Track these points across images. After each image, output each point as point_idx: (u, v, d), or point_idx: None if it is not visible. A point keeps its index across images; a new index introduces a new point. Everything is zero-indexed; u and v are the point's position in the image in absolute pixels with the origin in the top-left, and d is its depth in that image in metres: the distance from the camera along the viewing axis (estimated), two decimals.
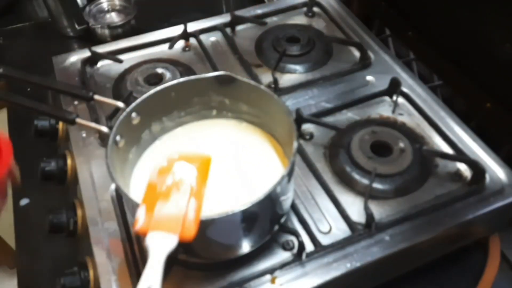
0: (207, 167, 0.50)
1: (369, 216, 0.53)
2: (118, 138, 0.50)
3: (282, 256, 0.53)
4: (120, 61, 0.76)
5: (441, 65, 0.77)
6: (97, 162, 0.61)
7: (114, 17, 0.98)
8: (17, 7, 1.09)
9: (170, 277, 0.50)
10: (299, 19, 0.86)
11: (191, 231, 0.42)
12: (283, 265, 0.51)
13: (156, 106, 0.54)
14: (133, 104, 0.52)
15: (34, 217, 0.70)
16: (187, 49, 0.80)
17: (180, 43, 0.80)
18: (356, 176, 0.59)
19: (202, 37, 0.80)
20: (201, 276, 0.51)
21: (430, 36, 0.78)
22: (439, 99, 0.69)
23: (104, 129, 0.53)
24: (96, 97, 0.58)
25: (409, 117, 0.67)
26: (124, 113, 0.51)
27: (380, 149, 0.61)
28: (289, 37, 0.79)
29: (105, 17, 0.98)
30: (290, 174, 0.47)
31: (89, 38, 0.95)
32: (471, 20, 0.70)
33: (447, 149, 0.63)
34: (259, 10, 0.86)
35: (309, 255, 0.52)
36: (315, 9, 0.87)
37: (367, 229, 0.54)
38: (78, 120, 0.54)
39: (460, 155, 0.61)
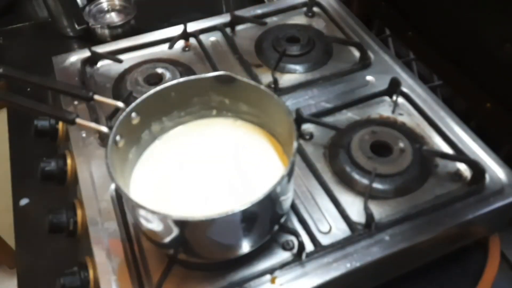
0: None
1: (369, 216, 0.53)
2: (118, 138, 0.50)
3: (282, 256, 0.52)
4: (120, 61, 0.76)
5: (441, 65, 0.77)
6: (97, 162, 0.61)
7: (114, 17, 0.98)
8: (17, 7, 1.09)
9: (170, 277, 0.50)
10: (299, 19, 0.86)
11: None
12: (283, 265, 0.51)
13: (156, 106, 0.54)
14: (133, 104, 0.52)
15: (34, 217, 0.70)
16: (187, 49, 0.80)
17: (180, 43, 0.80)
18: (356, 176, 0.59)
19: (202, 37, 0.80)
20: (201, 276, 0.51)
21: (430, 36, 0.78)
22: (439, 99, 0.68)
23: (104, 129, 0.53)
24: (96, 97, 0.58)
25: (409, 117, 0.67)
26: (124, 113, 0.51)
27: (380, 149, 0.61)
28: (289, 37, 0.79)
29: (105, 17, 0.98)
30: (290, 174, 0.47)
31: (89, 38, 0.95)
32: (471, 20, 0.70)
33: (447, 149, 0.63)
34: (259, 10, 0.86)
35: (309, 255, 0.52)
36: (315, 9, 0.87)
37: (367, 229, 0.54)
38: (78, 120, 0.54)
39: (460, 155, 0.61)
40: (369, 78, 0.73)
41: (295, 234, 0.52)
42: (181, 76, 0.71)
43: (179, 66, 0.75)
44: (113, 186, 0.58)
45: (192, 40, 0.80)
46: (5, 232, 1.29)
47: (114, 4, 1.00)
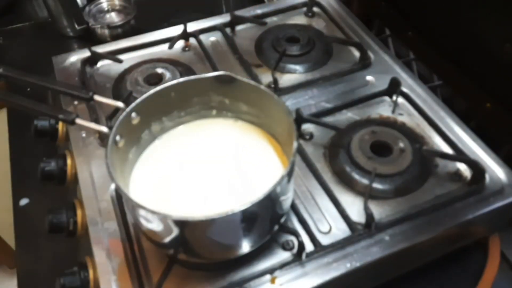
0: None
1: (369, 216, 0.53)
2: (118, 138, 0.50)
3: (282, 256, 0.52)
4: (120, 61, 0.75)
5: (441, 65, 0.77)
6: (97, 162, 0.61)
7: (114, 17, 0.98)
8: (17, 7, 1.09)
9: (170, 277, 0.50)
10: (299, 19, 0.86)
11: None
12: (283, 265, 0.51)
13: (156, 106, 0.54)
14: (133, 104, 0.52)
15: (34, 217, 0.70)
16: (187, 49, 0.80)
17: (180, 43, 0.80)
18: (356, 176, 0.59)
19: (202, 37, 0.80)
20: (201, 276, 0.51)
21: (430, 36, 0.78)
22: (439, 99, 0.68)
23: (104, 129, 0.53)
24: (96, 97, 0.58)
25: (409, 117, 0.67)
26: (124, 113, 0.51)
27: (380, 149, 0.61)
28: (289, 37, 0.79)
29: (105, 17, 0.98)
30: (290, 174, 0.47)
31: (89, 38, 0.95)
32: (471, 20, 0.70)
33: (447, 149, 0.63)
34: (259, 10, 0.86)
35: (309, 255, 0.52)
36: (315, 9, 0.87)
37: (367, 229, 0.53)
38: (78, 120, 0.54)
39: (460, 155, 0.61)
40: (369, 78, 0.73)
41: (295, 234, 0.52)
42: (181, 76, 0.71)
43: (179, 66, 0.75)
44: (113, 186, 0.58)
45: (192, 40, 0.80)
46: (5, 232, 1.29)
47: (114, 4, 1.00)
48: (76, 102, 0.69)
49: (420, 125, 0.66)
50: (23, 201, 0.72)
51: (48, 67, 0.77)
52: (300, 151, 0.62)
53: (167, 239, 0.46)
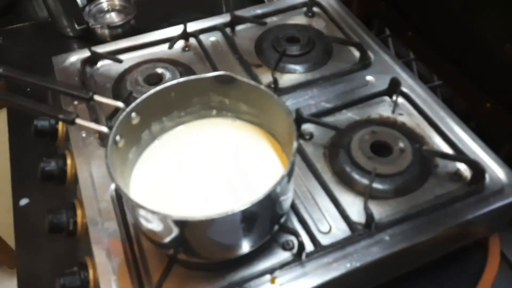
0: None
1: (369, 216, 0.53)
2: (118, 138, 0.50)
3: (282, 256, 0.52)
4: (120, 61, 0.75)
5: (441, 65, 0.77)
6: (97, 162, 0.61)
7: (114, 17, 0.98)
8: (17, 7, 1.09)
9: (170, 277, 0.50)
10: (299, 19, 0.86)
11: None
12: (283, 265, 0.51)
13: (156, 106, 0.54)
14: (133, 104, 0.52)
15: (34, 217, 0.70)
16: (187, 49, 0.80)
17: (180, 43, 0.80)
18: (356, 176, 0.59)
19: (202, 37, 0.80)
20: (201, 276, 0.51)
21: (430, 36, 0.78)
22: (439, 99, 0.68)
23: (104, 129, 0.53)
24: (96, 97, 0.58)
25: (409, 117, 0.67)
26: (124, 113, 0.51)
27: (380, 149, 0.61)
28: (289, 37, 0.79)
29: (105, 17, 0.98)
30: (290, 174, 0.47)
31: (89, 38, 0.95)
32: (471, 20, 0.70)
33: (447, 149, 0.63)
34: (259, 10, 0.86)
35: (309, 255, 0.52)
36: (315, 9, 0.87)
37: (367, 229, 0.53)
38: (78, 120, 0.54)
39: (460, 155, 0.61)
40: (369, 78, 0.73)
41: (295, 234, 0.52)
42: (181, 76, 0.71)
43: (179, 66, 0.75)
44: (113, 186, 0.58)
45: (192, 40, 0.80)
46: (5, 232, 1.29)
47: (114, 4, 1.00)
48: (76, 102, 0.69)
49: (420, 125, 0.66)
50: (23, 201, 0.72)
51: (48, 67, 0.77)
52: (300, 151, 0.62)
53: (167, 239, 0.46)
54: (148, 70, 0.73)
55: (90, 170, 0.61)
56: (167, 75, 0.72)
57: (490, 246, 0.61)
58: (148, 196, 0.52)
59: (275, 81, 0.70)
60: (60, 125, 0.67)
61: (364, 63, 0.75)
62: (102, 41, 0.92)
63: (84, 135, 0.65)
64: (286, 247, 0.53)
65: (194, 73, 0.74)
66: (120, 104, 0.56)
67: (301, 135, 0.65)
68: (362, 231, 0.53)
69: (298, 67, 0.75)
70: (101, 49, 0.78)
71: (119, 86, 0.73)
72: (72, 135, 0.65)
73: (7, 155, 0.79)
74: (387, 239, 0.53)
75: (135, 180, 0.54)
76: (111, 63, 0.77)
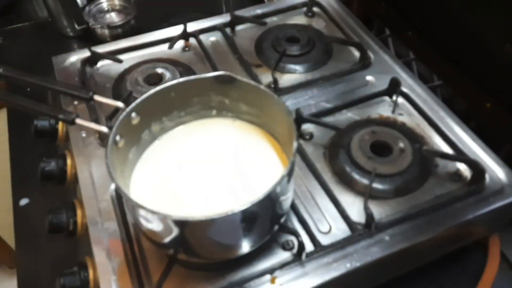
0: None
1: (369, 216, 0.53)
2: (118, 138, 0.50)
3: (282, 256, 0.53)
4: (120, 61, 0.75)
5: (441, 65, 0.77)
6: (97, 162, 0.61)
7: (114, 17, 0.98)
8: (17, 7, 1.09)
9: (170, 277, 0.50)
10: (299, 19, 0.86)
11: None
12: (283, 265, 0.51)
13: (156, 106, 0.54)
14: (133, 104, 0.52)
15: (34, 217, 0.70)
16: (187, 49, 0.80)
17: (180, 43, 0.80)
18: (356, 176, 0.59)
19: (202, 37, 0.80)
20: (201, 276, 0.51)
21: (430, 36, 0.78)
22: (439, 99, 0.68)
23: (104, 129, 0.53)
24: (96, 97, 0.58)
25: (409, 117, 0.67)
26: (124, 113, 0.51)
27: (380, 149, 0.61)
28: (289, 37, 0.79)
29: (105, 17, 0.98)
30: (290, 174, 0.47)
31: (89, 38, 0.95)
32: (471, 20, 0.70)
33: (447, 149, 0.63)
34: (259, 10, 0.86)
35: (309, 255, 0.52)
36: (315, 9, 0.87)
37: (367, 229, 0.53)
38: (78, 120, 0.54)
39: (460, 155, 0.61)
40: (369, 78, 0.73)
41: (295, 234, 0.52)
42: (181, 76, 0.71)
43: (179, 66, 0.75)
44: (113, 186, 0.58)
45: (192, 40, 0.80)
46: (5, 232, 1.29)
47: (114, 4, 1.00)
48: (76, 102, 0.69)
49: (420, 125, 0.66)
50: (23, 201, 0.72)
51: (48, 67, 0.77)
52: (300, 151, 0.62)
53: (167, 239, 0.46)
54: (148, 70, 0.73)
55: (90, 170, 0.61)
56: (167, 75, 0.72)
57: (490, 246, 0.61)
58: (148, 196, 0.52)
59: (275, 81, 0.70)
60: (60, 125, 0.67)
61: (364, 63, 0.75)
62: (102, 41, 0.92)
63: (84, 135, 0.65)
64: (286, 247, 0.53)
65: (194, 73, 0.74)
66: (120, 104, 0.56)
67: (301, 135, 0.65)
68: (362, 231, 0.53)
69: (298, 67, 0.75)
70: (101, 49, 0.78)
71: (119, 86, 0.73)
72: (72, 135, 0.65)
73: (7, 155, 0.79)
74: (387, 239, 0.53)
75: (135, 180, 0.54)
76: (111, 63, 0.77)
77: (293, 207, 0.56)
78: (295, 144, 0.46)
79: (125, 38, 0.81)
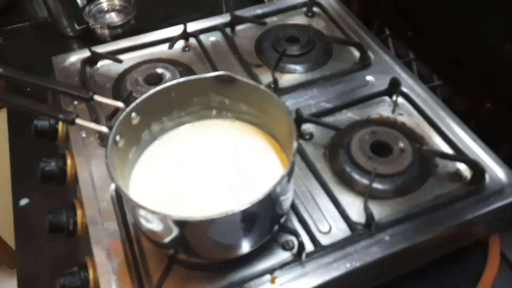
0: None
1: (369, 216, 0.53)
2: (118, 138, 0.50)
3: (282, 256, 0.52)
4: (120, 61, 0.75)
5: (441, 65, 0.77)
6: (97, 162, 0.61)
7: (114, 17, 0.98)
8: (17, 7, 1.09)
9: (170, 277, 0.50)
10: (299, 19, 0.86)
11: None
12: (283, 265, 0.51)
13: (156, 106, 0.54)
14: (133, 104, 0.52)
15: (34, 217, 0.70)
16: (187, 49, 0.80)
17: (180, 43, 0.80)
18: (356, 176, 0.59)
19: (202, 37, 0.80)
20: (201, 276, 0.51)
21: (430, 36, 0.78)
22: (439, 99, 0.68)
23: (104, 129, 0.53)
24: (96, 97, 0.58)
25: (409, 117, 0.67)
26: (124, 113, 0.51)
27: (380, 149, 0.61)
28: (289, 37, 0.79)
29: (105, 17, 0.98)
30: (290, 174, 0.47)
31: (89, 38, 0.95)
32: (471, 20, 0.70)
33: (447, 149, 0.63)
34: (259, 10, 0.86)
35: (309, 255, 0.52)
36: (315, 9, 0.87)
37: (367, 229, 0.53)
38: (78, 120, 0.54)
39: (460, 155, 0.61)
40: (369, 78, 0.73)
41: (295, 234, 0.52)
42: (181, 76, 0.71)
43: (179, 66, 0.75)
44: (113, 186, 0.58)
45: (192, 40, 0.80)
46: (5, 232, 1.29)
47: (114, 4, 1.00)
48: (76, 102, 0.69)
49: (420, 125, 0.66)
50: (23, 201, 0.72)
51: (48, 67, 0.77)
52: (300, 151, 0.62)
53: (167, 239, 0.46)
54: (148, 70, 0.73)
55: (90, 170, 0.61)
56: (167, 75, 0.72)
57: (490, 246, 0.61)
58: (148, 196, 0.52)
59: (275, 81, 0.70)
60: (60, 125, 0.67)
61: (364, 63, 0.75)
62: (102, 41, 0.92)
63: (84, 135, 0.65)
64: (286, 247, 0.53)
65: (194, 73, 0.74)
66: (120, 104, 0.56)
67: (301, 135, 0.65)
68: (362, 231, 0.53)
69: (298, 67, 0.75)
70: (101, 49, 0.78)
71: (119, 86, 0.73)
72: (72, 135, 0.65)
73: (7, 155, 0.79)
74: (387, 239, 0.53)
75: (135, 180, 0.54)
76: (111, 63, 0.77)
77: (293, 207, 0.56)
78: (295, 144, 0.47)
79: (125, 38, 0.81)
